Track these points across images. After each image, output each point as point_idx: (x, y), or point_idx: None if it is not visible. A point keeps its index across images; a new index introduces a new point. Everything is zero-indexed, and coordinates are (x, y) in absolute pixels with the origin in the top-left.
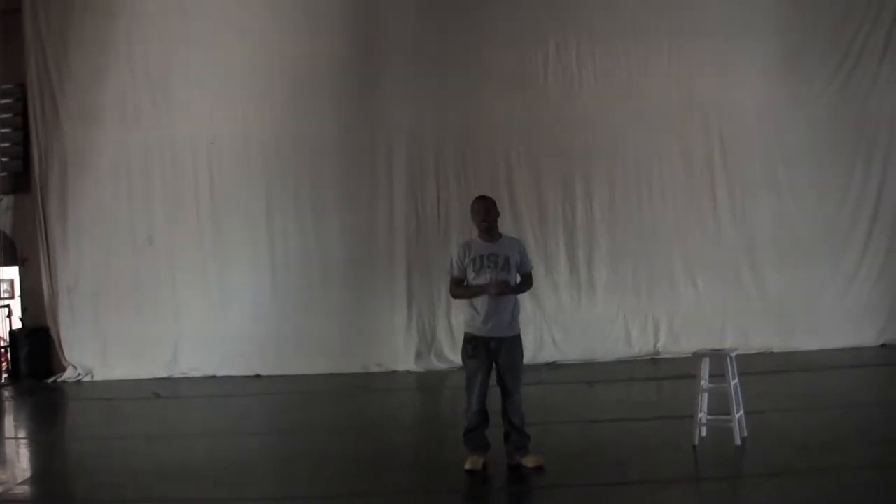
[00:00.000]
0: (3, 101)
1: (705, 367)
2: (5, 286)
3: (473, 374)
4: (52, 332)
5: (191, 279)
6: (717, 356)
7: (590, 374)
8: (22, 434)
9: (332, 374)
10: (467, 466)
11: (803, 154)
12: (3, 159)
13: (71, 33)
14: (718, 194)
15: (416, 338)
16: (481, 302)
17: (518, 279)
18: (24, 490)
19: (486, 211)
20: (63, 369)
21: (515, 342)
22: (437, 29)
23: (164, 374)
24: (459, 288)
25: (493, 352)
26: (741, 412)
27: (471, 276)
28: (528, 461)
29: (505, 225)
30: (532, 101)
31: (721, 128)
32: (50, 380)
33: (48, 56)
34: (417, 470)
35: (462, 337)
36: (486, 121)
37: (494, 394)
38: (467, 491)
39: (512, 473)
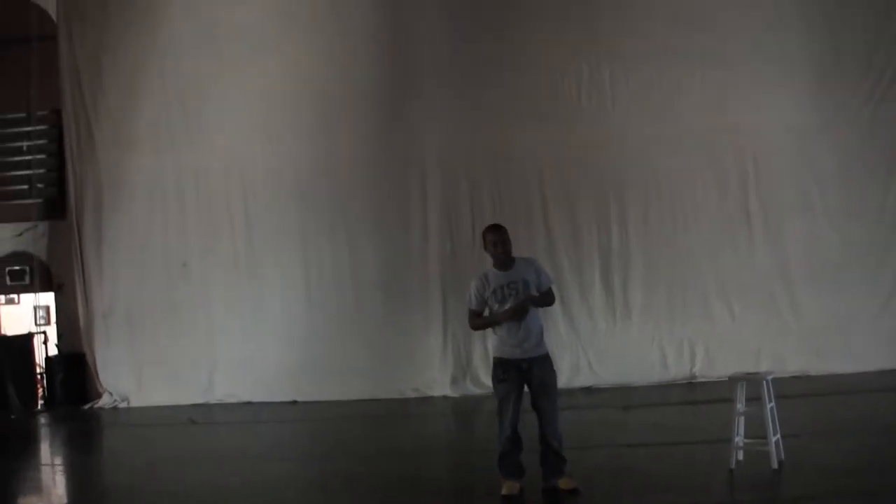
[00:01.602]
0: (39, 128)
1: (741, 391)
2: (41, 312)
3: (505, 398)
4: (88, 358)
5: (226, 304)
6: (753, 380)
7: (625, 398)
8: (58, 461)
9: (367, 400)
10: (504, 492)
11: (836, 176)
12: (39, 186)
13: (105, 60)
14: (752, 217)
15: (451, 363)
16: (507, 329)
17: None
18: None
19: (503, 242)
20: (99, 395)
21: (546, 361)
22: (469, 53)
23: (200, 400)
24: (479, 318)
25: (525, 373)
26: (778, 436)
27: (494, 307)
28: (564, 484)
29: (538, 250)
30: (565, 125)
31: (754, 150)
32: (86, 406)
33: (83, 83)
34: (454, 496)
35: None
36: (520, 144)
37: (530, 419)
38: None
39: (547, 498)
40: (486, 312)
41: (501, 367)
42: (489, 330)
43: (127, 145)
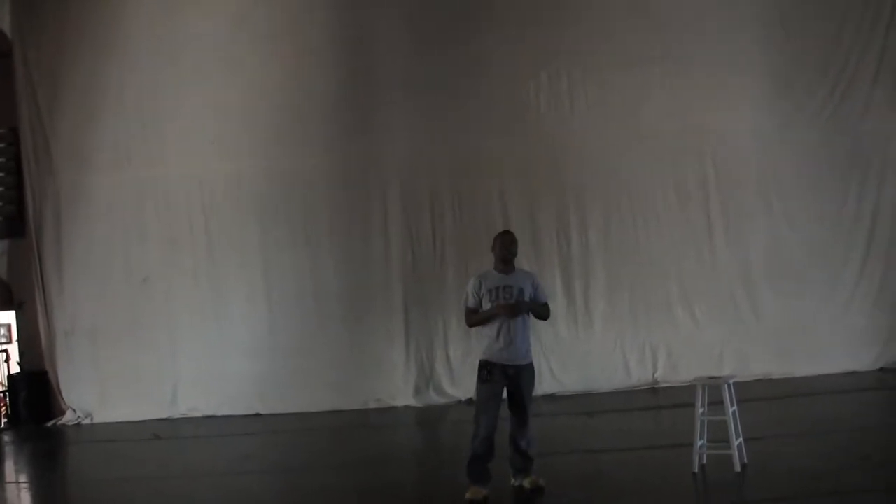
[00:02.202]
0: None
1: (703, 395)
2: (2, 331)
3: (486, 400)
4: (51, 376)
5: (188, 319)
6: (715, 384)
7: (588, 404)
8: (23, 478)
9: (331, 412)
10: (468, 496)
11: (798, 179)
12: None
13: (62, 76)
14: (714, 222)
15: (414, 373)
16: (499, 330)
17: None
18: None
19: (511, 243)
20: (62, 412)
21: (531, 370)
22: (429, 63)
23: (163, 415)
24: (474, 316)
25: (511, 378)
26: (740, 439)
27: (486, 306)
28: (530, 482)
29: None
30: (525, 132)
31: (715, 155)
32: (49, 423)
33: (39, 100)
34: None
35: (460, 370)
36: (480, 153)
37: (501, 425)
38: None
39: (515, 498)
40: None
41: (487, 369)
42: (453, 339)
43: (85, 162)
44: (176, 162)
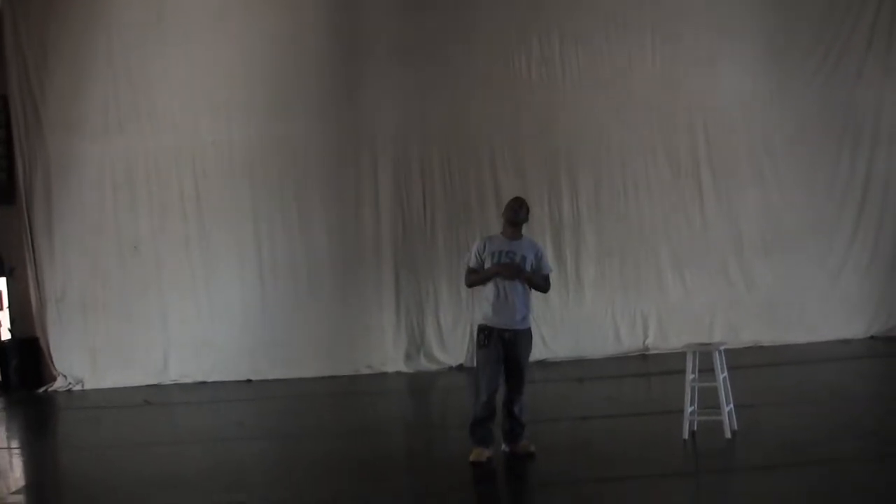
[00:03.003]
0: None
1: (694, 362)
2: None
3: (485, 364)
4: (42, 342)
5: (179, 286)
6: (706, 350)
7: (579, 371)
8: (14, 444)
9: (322, 378)
10: (472, 458)
11: (789, 148)
12: None
13: (51, 43)
14: (705, 190)
15: (405, 339)
16: (497, 293)
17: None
18: (18, 500)
19: (520, 208)
20: (53, 379)
21: (528, 336)
22: (419, 29)
23: (154, 382)
24: (474, 275)
25: (507, 343)
26: (731, 405)
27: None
28: (522, 448)
29: (491, 223)
30: (516, 100)
31: (706, 123)
32: (41, 390)
33: (29, 67)
34: (415, 470)
35: (450, 336)
36: (471, 120)
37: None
38: (466, 486)
39: (508, 463)
40: None
41: (484, 334)
42: (444, 306)
43: (75, 128)
44: (166, 130)
